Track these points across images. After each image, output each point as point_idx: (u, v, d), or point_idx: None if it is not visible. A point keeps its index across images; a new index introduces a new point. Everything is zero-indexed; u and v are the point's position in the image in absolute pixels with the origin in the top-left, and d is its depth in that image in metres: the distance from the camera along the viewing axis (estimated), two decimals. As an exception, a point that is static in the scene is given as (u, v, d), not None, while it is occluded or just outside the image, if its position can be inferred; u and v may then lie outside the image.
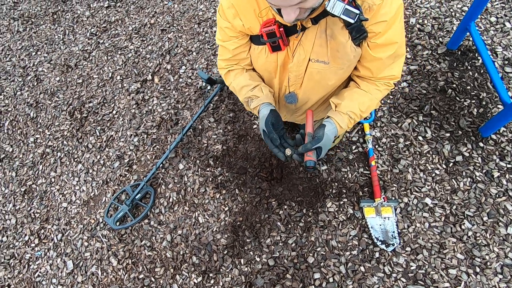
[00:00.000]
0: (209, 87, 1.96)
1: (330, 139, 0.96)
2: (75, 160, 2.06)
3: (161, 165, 1.85)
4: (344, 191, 1.60)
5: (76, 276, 1.70)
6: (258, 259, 1.54)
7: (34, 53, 2.64)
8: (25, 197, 2.02)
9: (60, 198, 1.96)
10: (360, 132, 1.73)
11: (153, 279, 1.61)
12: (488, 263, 1.34)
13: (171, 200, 1.78)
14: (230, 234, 1.62)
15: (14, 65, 2.63)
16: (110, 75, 2.32)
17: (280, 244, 1.55)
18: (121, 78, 2.29)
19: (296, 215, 1.59)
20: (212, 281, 1.54)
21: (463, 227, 1.42)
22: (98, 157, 2.03)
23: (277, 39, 0.89)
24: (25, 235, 1.89)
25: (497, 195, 1.45)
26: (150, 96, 2.16)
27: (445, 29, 1.90)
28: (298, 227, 1.57)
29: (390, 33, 0.83)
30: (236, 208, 1.68)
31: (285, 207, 1.62)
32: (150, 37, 2.43)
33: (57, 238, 1.84)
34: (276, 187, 1.68)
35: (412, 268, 1.39)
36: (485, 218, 1.42)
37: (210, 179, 1.78)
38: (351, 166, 1.65)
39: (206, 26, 2.34)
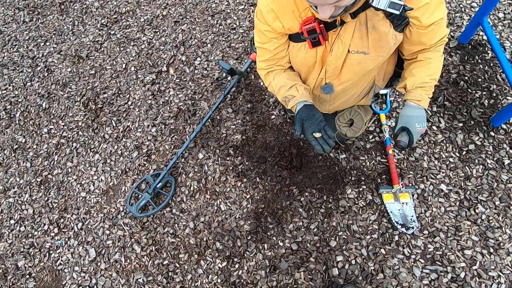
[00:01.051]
0: (229, 78, 1.98)
1: (411, 115, 1.04)
2: (92, 150, 2.07)
3: (181, 154, 1.87)
4: (363, 178, 1.66)
5: (99, 264, 1.73)
6: (281, 244, 1.59)
7: (42, 44, 2.61)
8: (42, 187, 2.02)
9: (78, 188, 1.97)
10: (376, 122, 1.79)
11: (177, 264, 1.65)
12: (501, 244, 1.43)
13: (192, 188, 1.82)
14: (253, 220, 1.67)
15: (22, 55, 2.59)
16: (123, 66, 2.33)
17: (303, 229, 1.61)
18: (135, 69, 2.29)
19: (317, 201, 1.65)
20: (236, 266, 1.59)
21: (477, 211, 1.50)
22: (116, 147, 2.04)
23: (318, 35, 0.93)
24: (44, 224, 1.90)
25: (508, 181, 1.54)
26: (166, 87, 2.17)
27: (455, 23, 1.97)
28: (319, 213, 1.63)
29: (434, 11, 0.88)
30: (257, 195, 1.73)
31: (306, 194, 1.68)
32: (163, 28, 2.43)
33: (77, 227, 1.85)
34: (296, 175, 1.73)
35: (430, 249, 1.47)
36: (497, 203, 1.51)
37: (231, 168, 1.82)
38: (369, 155, 1.71)
39: (220, 18, 2.36)
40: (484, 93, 1.74)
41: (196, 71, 2.18)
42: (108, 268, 1.71)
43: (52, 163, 2.09)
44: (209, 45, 2.27)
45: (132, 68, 2.30)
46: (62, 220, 1.90)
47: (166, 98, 2.13)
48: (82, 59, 2.45)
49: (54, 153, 2.12)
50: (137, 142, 2.02)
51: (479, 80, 1.78)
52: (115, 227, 1.81)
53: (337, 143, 1.75)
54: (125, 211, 1.84)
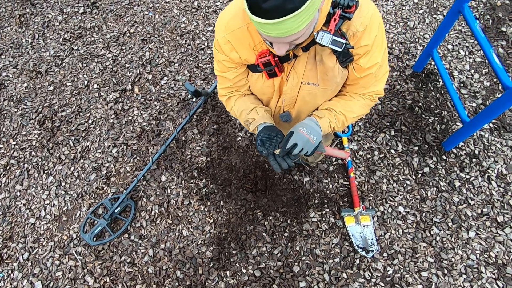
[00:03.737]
0: (194, 99, 1.96)
1: (301, 123, 1.02)
2: (45, 172, 1.93)
3: (142, 177, 1.80)
4: (326, 201, 1.68)
5: (45, 298, 1.58)
6: (244, 271, 1.55)
7: (-3, 57, 2.46)
8: (-15, 213, 1.84)
9: (27, 214, 1.81)
10: (339, 145, 1.84)
11: (133, 296, 1.54)
12: (454, 265, 1.48)
13: (153, 213, 1.74)
14: (215, 246, 1.61)
15: (-27, 68, 2.42)
16: (85, 83, 2.23)
17: (266, 254, 1.58)
18: (98, 86, 2.21)
19: (281, 225, 1.64)
20: (197, 296, 1.52)
21: (432, 232, 1.56)
22: (72, 169, 1.92)
23: (273, 68, 0.95)
24: (-16, 255, 1.72)
25: (459, 203, 1.63)
26: (130, 106, 2.10)
27: (410, 53, 2.12)
28: (283, 237, 1.61)
29: (373, 55, 0.93)
30: (221, 220, 1.68)
31: (270, 217, 1.66)
32: (130, 46, 2.38)
33: (23, 257, 1.69)
34: (261, 198, 1.72)
35: (389, 272, 1.49)
36: (449, 224, 1.58)
37: (194, 191, 1.77)
38: (332, 177, 1.74)
39: (189, 38, 2.36)
40: (436, 118, 1.86)
41: (162, 91, 2.14)
42: (55, 303, 1.57)
43: (-2, 186, 1.92)
44: (176, 65, 2.25)
45: (95, 86, 2.21)
46: (5, 250, 1.72)
47: (130, 118, 2.06)
48: (41, 74, 2.32)
49: (1, 175, 1.95)
50: (96, 163, 1.92)
51: (432, 106, 1.89)
52: (66, 256, 1.67)
53: (301, 165, 1.77)
54: (78, 238, 1.71)
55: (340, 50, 0.81)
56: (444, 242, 1.54)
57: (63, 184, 1.88)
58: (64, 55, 2.39)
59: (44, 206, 1.83)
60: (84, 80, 2.25)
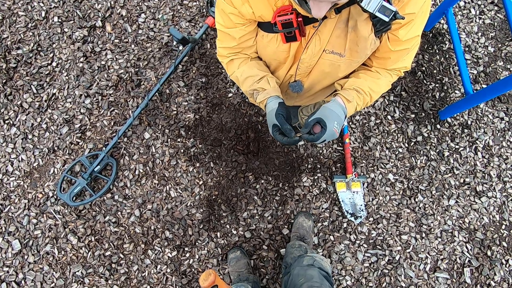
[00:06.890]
0: (180, 47, 1.70)
1: (332, 110, 0.86)
2: (6, 122, 1.69)
3: (123, 133, 1.63)
4: (319, 166, 1.66)
5: (26, 257, 1.52)
6: (234, 232, 1.56)
7: None
8: None
9: (-9, 168, 1.63)
10: (336, 108, 1.75)
11: (121, 255, 1.53)
12: (432, 229, 1.59)
13: (137, 172, 1.63)
14: (205, 208, 1.58)
15: None
16: (43, 14, 1.84)
17: (257, 217, 1.58)
18: (59, 20, 1.84)
19: (272, 189, 1.62)
20: (187, 254, 1.53)
21: (416, 199, 1.63)
22: (39, 119, 1.69)
23: (294, 30, 0.77)
24: None
25: (445, 172, 1.68)
26: (102, 48, 1.80)
27: (421, 8, 1.93)
28: (274, 200, 1.61)
29: (414, 26, 0.78)
30: (211, 181, 1.62)
31: (262, 181, 1.63)
32: (96, -32, 1.94)
33: (-7, 215, 1.57)
34: (253, 161, 1.66)
35: (373, 235, 1.58)
36: (433, 192, 1.65)
37: (182, 150, 1.66)
38: (326, 142, 1.69)
39: (170, -35, 1.95)
40: (437, 85, 1.79)
41: (140, 31, 1.83)
42: (38, 261, 1.52)
43: (-50, 135, 1.67)
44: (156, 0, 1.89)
45: (55, 18, 1.84)
46: (-28, 207, 1.58)
47: (103, 63, 1.78)
48: (-18, -3, 1.87)
49: (-48, 123, 1.68)
50: (67, 115, 1.70)
51: (435, 71, 1.81)
52: (44, 215, 1.57)
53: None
54: (55, 196, 1.59)
55: (387, 19, 0.66)
56: (426, 209, 1.62)
57: (30, 137, 1.67)
58: (11, -27, 1.91)
59: (10, 161, 1.64)
60: (40, 10, 1.85)
